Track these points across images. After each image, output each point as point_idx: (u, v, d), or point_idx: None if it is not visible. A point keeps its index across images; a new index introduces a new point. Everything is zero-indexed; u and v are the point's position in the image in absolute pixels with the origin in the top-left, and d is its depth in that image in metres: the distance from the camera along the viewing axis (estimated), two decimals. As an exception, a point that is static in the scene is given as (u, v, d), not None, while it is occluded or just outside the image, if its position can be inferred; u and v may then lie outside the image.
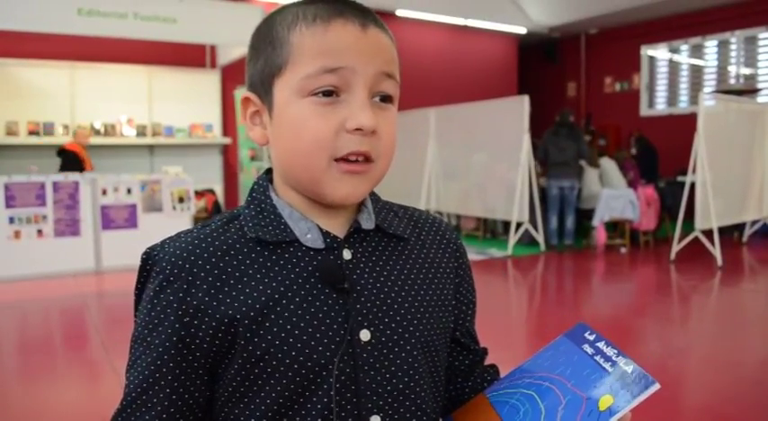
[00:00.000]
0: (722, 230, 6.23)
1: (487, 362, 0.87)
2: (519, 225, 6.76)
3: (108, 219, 5.85)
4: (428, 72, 9.86)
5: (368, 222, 0.72)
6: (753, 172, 6.97)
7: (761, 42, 9.43)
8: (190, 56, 8.23)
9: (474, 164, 7.42)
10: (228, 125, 8.59)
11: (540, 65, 12.23)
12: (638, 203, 6.88)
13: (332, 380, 0.65)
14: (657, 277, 5.75)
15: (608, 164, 7.28)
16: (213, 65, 8.56)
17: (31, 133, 7.41)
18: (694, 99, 9.56)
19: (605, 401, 0.61)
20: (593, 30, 11.31)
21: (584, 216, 7.25)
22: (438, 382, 0.75)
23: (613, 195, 6.83)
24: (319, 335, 0.65)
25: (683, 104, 10.39)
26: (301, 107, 0.65)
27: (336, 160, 0.66)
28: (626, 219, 6.89)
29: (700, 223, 5.94)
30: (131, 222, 5.94)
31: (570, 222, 7.04)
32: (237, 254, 0.67)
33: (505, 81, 11.14)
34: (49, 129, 7.51)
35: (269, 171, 0.75)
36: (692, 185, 5.97)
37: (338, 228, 0.71)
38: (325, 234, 0.69)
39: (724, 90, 8.61)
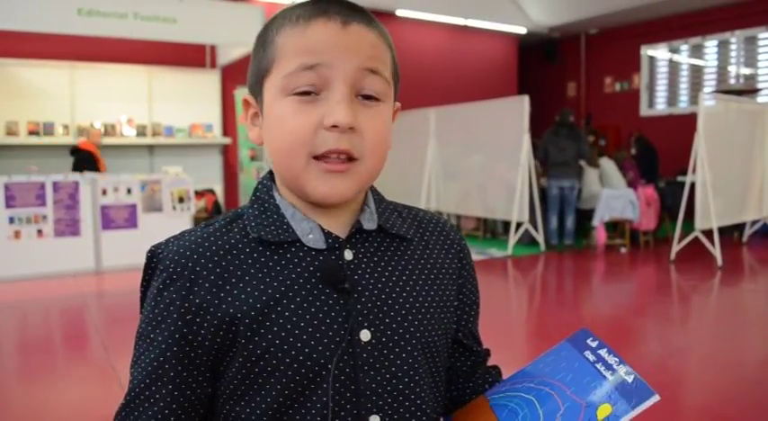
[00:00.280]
0: (722, 230, 6.23)
1: (488, 362, 0.86)
2: (519, 225, 6.75)
3: (108, 219, 5.85)
4: (428, 72, 9.86)
5: (370, 223, 0.72)
6: (753, 172, 6.97)
7: (761, 42, 9.43)
8: (190, 56, 8.23)
9: (474, 164, 7.41)
10: (228, 125, 8.59)
11: (540, 65, 12.22)
12: (638, 203, 6.88)
13: (330, 380, 0.65)
14: (657, 277, 5.75)
15: (607, 164, 7.28)
16: (213, 65, 8.56)
17: (31, 133, 7.41)
18: (694, 99, 9.57)
19: (603, 410, 0.61)
20: (593, 30, 11.31)
21: (585, 216, 7.25)
22: (439, 383, 0.75)
23: (613, 195, 6.83)
24: (319, 334, 0.66)
25: (683, 104, 10.39)
26: (283, 106, 0.66)
27: (316, 158, 0.66)
28: (626, 219, 6.89)
29: (700, 223, 5.94)
30: (131, 222, 5.94)
31: (570, 222, 7.04)
32: (240, 253, 0.68)
33: (505, 81, 11.13)
34: (49, 129, 7.51)
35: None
36: (692, 185, 5.97)
37: (340, 228, 0.71)
38: (327, 234, 0.69)
39: (724, 90, 8.61)
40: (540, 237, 6.92)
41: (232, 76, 8.41)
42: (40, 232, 5.57)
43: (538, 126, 7.45)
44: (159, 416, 0.66)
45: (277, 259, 0.68)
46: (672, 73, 10.60)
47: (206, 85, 8.50)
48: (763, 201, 7.22)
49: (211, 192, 8.03)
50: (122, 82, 7.94)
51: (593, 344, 0.70)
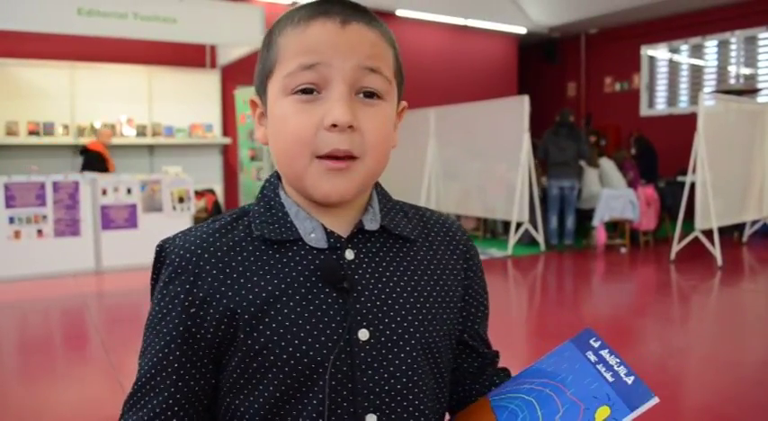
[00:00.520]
0: (722, 230, 6.23)
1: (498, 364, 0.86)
2: (519, 225, 6.76)
3: (108, 219, 5.85)
4: (428, 72, 9.86)
5: (372, 223, 0.72)
6: (753, 172, 6.97)
7: (761, 42, 9.43)
8: (190, 56, 8.23)
9: (474, 164, 7.42)
10: (228, 125, 8.59)
11: (540, 65, 12.23)
12: (638, 203, 6.88)
13: (327, 378, 0.66)
14: (657, 277, 5.75)
15: (607, 164, 7.29)
16: (213, 65, 8.56)
17: (31, 133, 7.41)
18: (694, 99, 9.57)
19: (602, 413, 0.60)
20: (593, 30, 11.31)
21: (585, 216, 7.25)
22: (441, 383, 0.75)
23: (613, 195, 6.83)
24: (317, 332, 0.66)
25: (683, 104, 10.39)
26: (284, 105, 0.67)
27: (318, 157, 0.67)
28: (626, 219, 6.89)
29: (700, 223, 5.94)
30: (131, 222, 5.94)
31: (570, 222, 7.04)
32: (242, 250, 0.69)
33: (505, 81, 11.13)
34: (49, 129, 7.51)
35: None
36: (692, 185, 5.97)
37: (343, 228, 0.72)
38: (329, 234, 0.70)
39: (724, 90, 8.61)
40: (540, 237, 6.92)
41: (232, 76, 8.41)
42: (40, 232, 5.57)
43: (538, 126, 7.45)
44: (164, 406, 0.67)
45: (279, 257, 0.69)
46: (672, 73, 10.60)
47: (206, 85, 8.50)
48: (763, 201, 7.22)
49: (211, 192, 8.03)
50: (122, 82, 7.94)
51: (596, 345, 0.70)
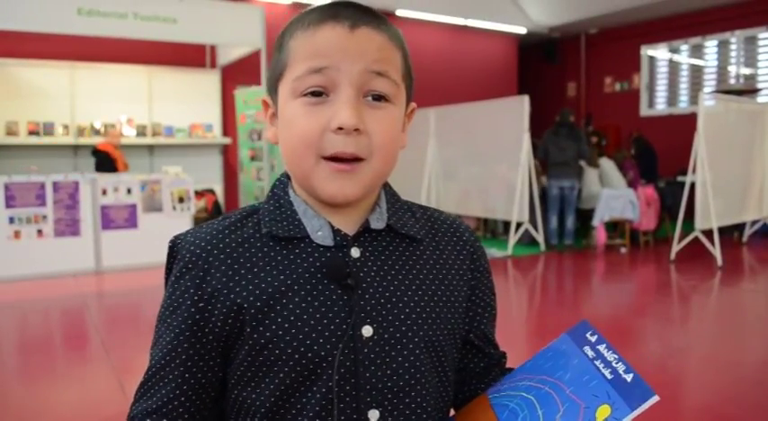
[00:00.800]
0: (722, 230, 6.23)
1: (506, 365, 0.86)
2: (519, 225, 6.76)
3: (108, 219, 5.85)
4: (428, 72, 9.85)
5: (378, 222, 0.74)
6: (753, 172, 6.97)
7: (761, 42, 9.43)
8: (190, 56, 8.23)
9: (474, 164, 7.42)
10: (228, 125, 8.58)
11: (540, 65, 12.22)
12: (638, 203, 6.88)
13: (331, 373, 0.67)
14: (657, 277, 5.75)
15: (607, 164, 7.29)
16: (213, 65, 8.56)
17: (31, 133, 7.40)
18: (694, 99, 9.57)
19: (602, 412, 0.60)
20: (593, 30, 11.31)
21: (585, 216, 7.25)
22: (445, 381, 0.76)
23: (613, 195, 6.83)
24: (321, 327, 0.68)
25: (683, 104, 10.39)
26: (293, 107, 0.69)
27: (324, 158, 0.68)
28: (626, 219, 6.89)
29: (700, 223, 5.94)
30: (131, 222, 5.94)
31: (570, 222, 7.04)
32: (251, 247, 0.71)
33: (505, 81, 11.13)
34: (49, 130, 7.50)
35: None
36: (692, 185, 5.97)
37: (350, 226, 0.73)
38: (336, 232, 0.72)
39: (724, 90, 8.60)
40: (540, 237, 6.92)
41: (232, 76, 8.41)
42: (40, 232, 5.57)
43: (538, 126, 7.45)
44: (171, 395, 0.70)
45: (286, 254, 0.71)
46: (672, 73, 10.60)
47: (206, 85, 8.50)
48: (763, 201, 7.22)
49: (211, 192, 8.03)
50: (122, 82, 7.94)
51: (593, 339, 0.69)
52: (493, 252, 6.81)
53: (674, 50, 10.49)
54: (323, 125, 0.67)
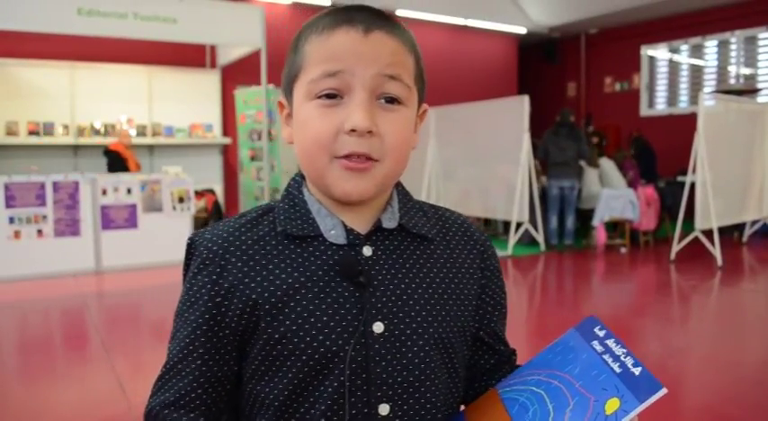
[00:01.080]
0: (722, 230, 6.23)
1: (516, 362, 0.88)
2: (519, 225, 6.76)
3: (108, 219, 5.85)
4: (428, 72, 9.41)
5: (390, 221, 0.76)
6: (753, 172, 6.97)
7: (761, 42, 9.43)
8: (190, 56, 8.23)
9: (474, 164, 7.41)
10: (228, 125, 8.58)
11: (540, 65, 12.23)
12: (638, 203, 6.88)
13: (343, 367, 0.69)
14: (657, 277, 5.75)
15: (607, 164, 7.29)
16: (213, 65, 8.56)
17: (31, 133, 7.41)
18: (694, 99, 9.57)
19: (612, 405, 0.61)
20: (593, 30, 11.31)
21: (585, 216, 7.25)
22: (455, 377, 0.78)
23: (613, 195, 6.84)
24: (333, 324, 0.70)
25: (683, 104, 10.39)
26: (308, 109, 0.71)
27: (337, 157, 0.70)
28: (626, 219, 6.89)
29: (700, 223, 5.94)
30: (131, 222, 5.94)
31: (570, 222, 7.04)
32: (266, 244, 0.73)
33: (505, 81, 11.13)
34: (49, 130, 7.50)
35: None
36: (692, 185, 5.97)
37: (363, 225, 0.75)
38: (349, 231, 0.74)
39: (724, 90, 8.61)
40: (540, 237, 6.92)
41: (232, 76, 8.41)
42: (40, 232, 5.57)
43: (538, 126, 7.45)
44: (188, 388, 0.72)
45: (300, 251, 0.73)
46: (672, 73, 10.60)
47: (206, 85, 8.50)
48: (763, 201, 7.22)
49: (211, 192, 8.02)
50: (122, 82, 7.94)
51: (601, 334, 0.70)
52: (493, 252, 6.80)
53: (674, 50, 10.49)
54: (337, 127, 0.69)
